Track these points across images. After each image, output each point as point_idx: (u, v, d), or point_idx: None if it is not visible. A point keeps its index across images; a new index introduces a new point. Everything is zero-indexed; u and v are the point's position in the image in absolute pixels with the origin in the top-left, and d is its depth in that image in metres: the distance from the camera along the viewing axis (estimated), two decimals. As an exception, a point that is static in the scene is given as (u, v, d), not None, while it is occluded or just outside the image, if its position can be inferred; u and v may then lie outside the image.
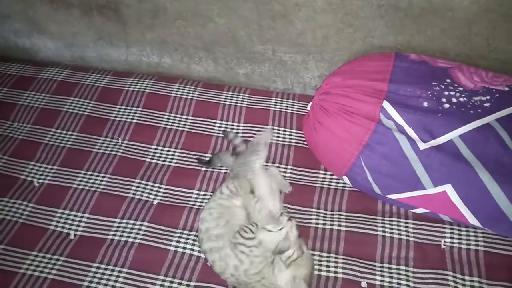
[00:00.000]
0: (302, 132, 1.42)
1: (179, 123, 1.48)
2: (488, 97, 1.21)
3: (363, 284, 1.11)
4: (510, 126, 1.15)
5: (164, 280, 1.13)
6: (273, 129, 1.45)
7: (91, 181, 1.34)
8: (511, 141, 1.13)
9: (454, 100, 1.20)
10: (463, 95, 1.21)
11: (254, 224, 1.09)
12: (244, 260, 1.04)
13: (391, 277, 1.11)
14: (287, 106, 1.51)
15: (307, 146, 1.39)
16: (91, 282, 1.13)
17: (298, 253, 1.06)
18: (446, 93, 1.22)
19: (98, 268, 1.15)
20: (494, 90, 1.22)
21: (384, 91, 1.25)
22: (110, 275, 1.14)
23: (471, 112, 1.18)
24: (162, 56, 1.70)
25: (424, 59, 1.33)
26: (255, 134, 1.44)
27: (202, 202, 1.28)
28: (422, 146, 1.16)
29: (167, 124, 1.48)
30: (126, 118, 1.50)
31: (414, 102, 1.22)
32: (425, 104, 1.21)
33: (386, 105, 1.22)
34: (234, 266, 1.05)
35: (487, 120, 1.16)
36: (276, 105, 1.51)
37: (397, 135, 1.19)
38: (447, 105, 1.20)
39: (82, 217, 1.26)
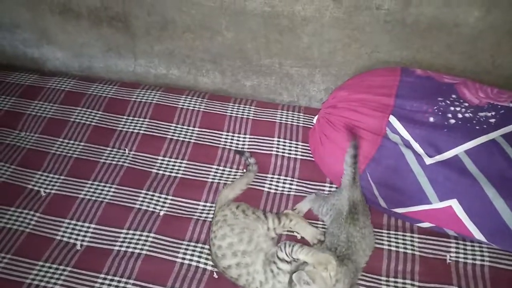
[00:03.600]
0: (307, 144, 1.43)
1: (186, 135, 1.49)
2: (493, 113, 1.22)
3: (370, 299, 1.11)
4: (515, 142, 1.16)
5: (171, 292, 1.13)
6: (279, 141, 1.46)
7: (98, 191, 1.34)
8: (516, 156, 1.14)
9: (459, 115, 1.22)
10: (469, 111, 1.22)
11: (290, 247, 1.03)
12: (269, 281, 1.05)
13: (397, 292, 1.11)
14: (293, 119, 1.52)
15: (312, 159, 1.39)
16: (97, 293, 1.13)
17: None
18: (452, 108, 1.23)
19: (105, 279, 1.15)
20: (499, 106, 1.24)
21: (390, 105, 1.26)
22: (117, 286, 1.14)
23: (477, 127, 1.19)
24: (170, 67, 1.72)
25: (430, 74, 1.34)
26: (260, 146, 1.45)
27: (208, 213, 1.28)
28: (428, 161, 1.17)
29: (173, 135, 1.49)
30: (133, 128, 1.51)
31: (420, 117, 1.23)
32: (431, 119, 1.22)
33: (393, 119, 1.23)
34: (260, 282, 1.06)
35: (492, 136, 1.17)
36: (282, 117, 1.52)
37: (403, 150, 1.19)
38: (452, 121, 1.21)
39: (88, 227, 1.26)
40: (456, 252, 1.17)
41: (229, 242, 1.12)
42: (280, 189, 1.34)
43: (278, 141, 1.46)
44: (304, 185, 1.35)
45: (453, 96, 1.26)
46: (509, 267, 1.14)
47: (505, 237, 1.12)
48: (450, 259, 1.16)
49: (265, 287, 1.05)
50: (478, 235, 1.14)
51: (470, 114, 1.22)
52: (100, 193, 1.34)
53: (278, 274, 1.04)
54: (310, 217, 1.25)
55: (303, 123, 1.50)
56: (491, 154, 1.15)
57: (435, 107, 1.24)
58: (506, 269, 1.13)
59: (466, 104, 1.24)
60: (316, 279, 0.94)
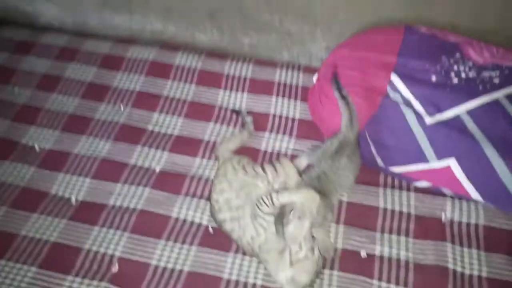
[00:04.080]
0: (306, 104, 1.41)
1: (182, 92, 1.47)
2: (497, 73, 1.19)
3: (363, 253, 1.11)
4: (518, 103, 1.13)
5: (165, 245, 1.13)
6: (277, 100, 1.43)
7: (93, 147, 1.33)
8: (519, 117, 1.12)
9: (463, 75, 1.19)
10: (473, 70, 1.20)
11: (269, 197, 1.04)
12: (261, 234, 1.04)
13: (390, 247, 1.12)
14: (292, 78, 1.49)
15: (311, 119, 1.37)
16: (92, 245, 1.13)
17: (306, 254, 1.00)
18: (456, 67, 1.20)
19: (100, 231, 1.16)
20: (504, 67, 1.21)
21: (392, 63, 1.23)
22: (112, 238, 1.14)
23: (480, 87, 1.16)
24: (166, 24, 1.67)
25: (435, 33, 1.30)
26: (258, 105, 1.42)
27: (205, 169, 1.28)
28: (428, 120, 1.15)
29: (169, 93, 1.46)
30: (129, 85, 1.48)
31: (422, 76, 1.20)
32: (434, 78, 1.19)
33: (394, 78, 1.20)
34: (251, 236, 1.06)
35: (495, 96, 1.15)
36: (281, 76, 1.49)
37: (403, 109, 1.17)
38: (455, 80, 1.18)
39: (83, 182, 1.25)
40: (452, 212, 1.17)
41: (226, 197, 1.11)
42: (277, 148, 1.33)
43: (277, 100, 1.43)
44: (302, 144, 1.33)
45: (458, 55, 1.23)
46: (503, 226, 1.14)
47: (502, 197, 1.12)
48: (445, 218, 1.16)
49: (257, 240, 1.05)
50: (474, 194, 1.14)
51: (474, 74, 1.19)
52: (96, 149, 1.32)
53: (270, 227, 1.04)
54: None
55: (302, 82, 1.47)
56: (494, 114, 1.13)
57: (438, 66, 1.21)
58: (500, 228, 1.14)
59: (470, 64, 1.21)
60: (306, 213, 1.01)
